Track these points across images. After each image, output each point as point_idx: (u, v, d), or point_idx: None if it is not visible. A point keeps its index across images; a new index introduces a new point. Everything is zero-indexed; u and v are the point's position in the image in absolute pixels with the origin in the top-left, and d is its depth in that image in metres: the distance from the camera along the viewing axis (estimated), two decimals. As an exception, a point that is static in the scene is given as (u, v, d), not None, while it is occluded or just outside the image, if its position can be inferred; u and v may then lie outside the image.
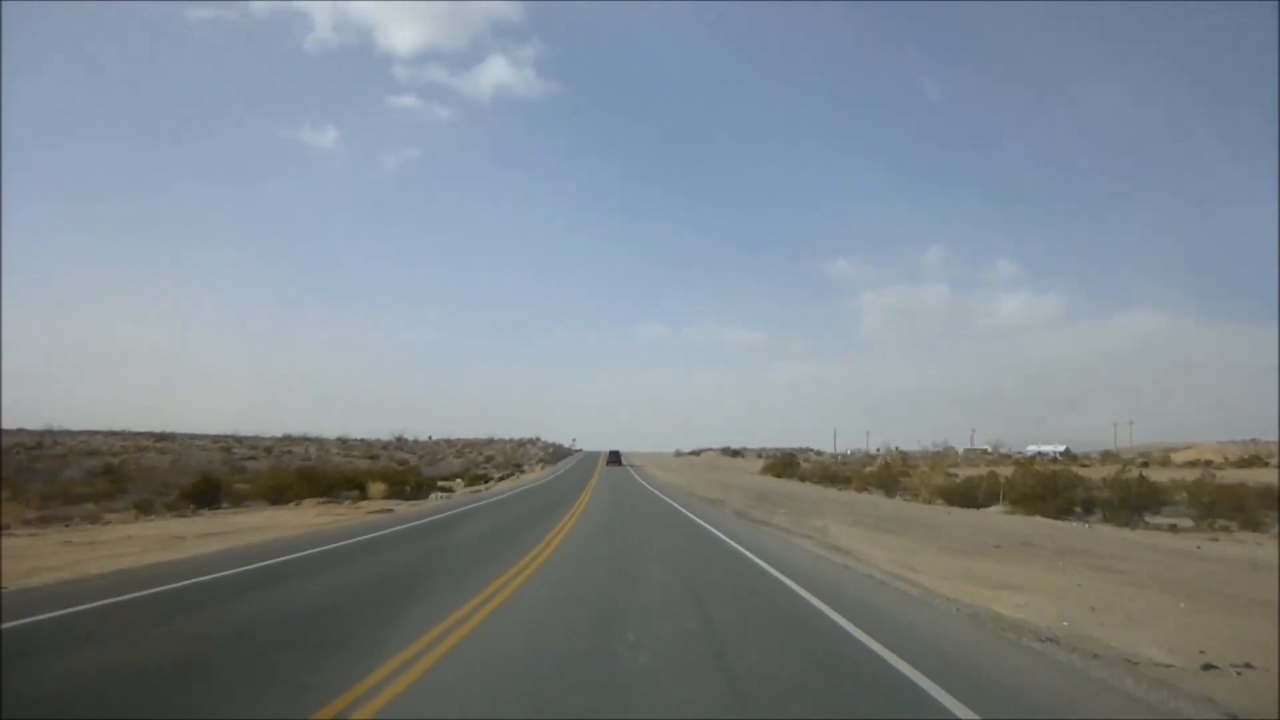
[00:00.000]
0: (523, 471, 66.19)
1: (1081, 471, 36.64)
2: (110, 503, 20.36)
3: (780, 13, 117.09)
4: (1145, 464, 66.29)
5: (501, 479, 54.15)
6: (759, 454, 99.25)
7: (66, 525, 15.23)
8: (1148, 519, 22.74)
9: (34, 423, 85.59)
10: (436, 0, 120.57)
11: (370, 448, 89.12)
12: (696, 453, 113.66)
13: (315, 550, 11.08)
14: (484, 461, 79.62)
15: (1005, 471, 43.07)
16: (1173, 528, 21.65)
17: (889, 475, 50.53)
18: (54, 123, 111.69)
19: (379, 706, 3.96)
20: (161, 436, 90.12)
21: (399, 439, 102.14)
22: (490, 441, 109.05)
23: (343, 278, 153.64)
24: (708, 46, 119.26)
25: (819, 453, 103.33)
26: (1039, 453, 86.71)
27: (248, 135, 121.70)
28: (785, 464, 67.20)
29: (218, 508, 20.47)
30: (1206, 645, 6.01)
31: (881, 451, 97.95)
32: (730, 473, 63.02)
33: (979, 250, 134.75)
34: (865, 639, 5.82)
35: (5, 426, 71.32)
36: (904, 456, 77.23)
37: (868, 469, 63.57)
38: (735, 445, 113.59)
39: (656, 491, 32.26)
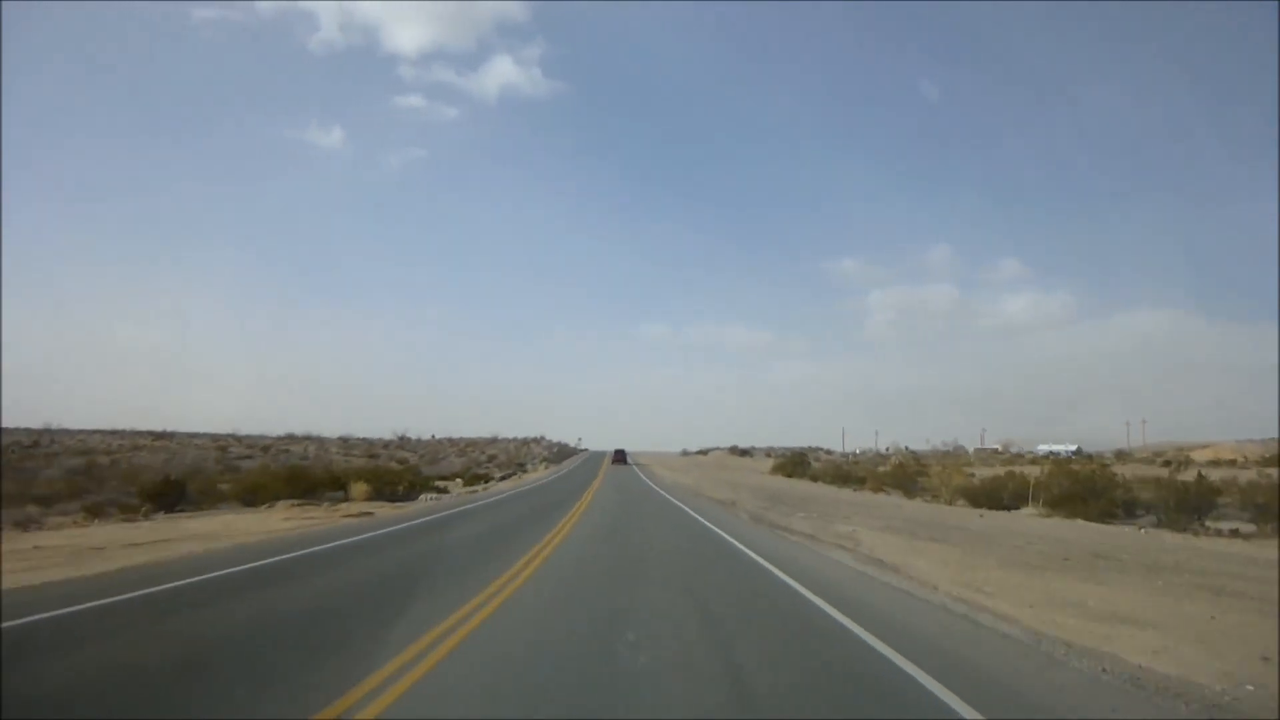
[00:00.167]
0: (525, 471, 64.39)
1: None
2: (66, 504, 18.54)
3: (781, 13, 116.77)
4: (1168, 463, 64.06)
5: (502, 479, 52.31)
6: (767, 453, 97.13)
7: (-7, 531, 13.38)
8: (1207, 523, 20.60)
9: (34, 422, 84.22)
10: (442, 0, 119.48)
11: (371, 447, 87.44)
12: (704, 452, 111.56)
13: (250, 565, 9.16)
14: (486, 461, 77.83)
15: (1026, 471, 41.15)
16: (1234, 532, 19.53)
17: (905, 475, 48.51)
18: (56, 123, 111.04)
19: None
20: (160, 435, 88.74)
21: (401, 438, 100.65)
22: (494, 441, 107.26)
23: (346, 277, 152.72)
24: (710, 46, 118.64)
25: (829, 452, 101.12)
26: (1051, 452, 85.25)
27: (253, 135, 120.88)
28: (796, 463, 65.06)
29: (180, 510, 18.61)
30: None
31: (891, 451, 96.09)
32: (738, 472, 60.94)
33: (984, 250, 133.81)
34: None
35: (5, 425, 70.21)
36: (915, 456, 75.29)
37: (881, 468, 61.59)
38: (741, 444, 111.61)
39: (663, 492, 30.25)
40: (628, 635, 5.59)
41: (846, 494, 39.36)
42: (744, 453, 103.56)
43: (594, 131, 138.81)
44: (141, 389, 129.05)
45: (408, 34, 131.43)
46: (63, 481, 21.38)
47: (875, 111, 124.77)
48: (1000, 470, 44.10)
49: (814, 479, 54.71)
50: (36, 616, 6.00)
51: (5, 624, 5.68)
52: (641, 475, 48.37)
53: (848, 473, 56.37)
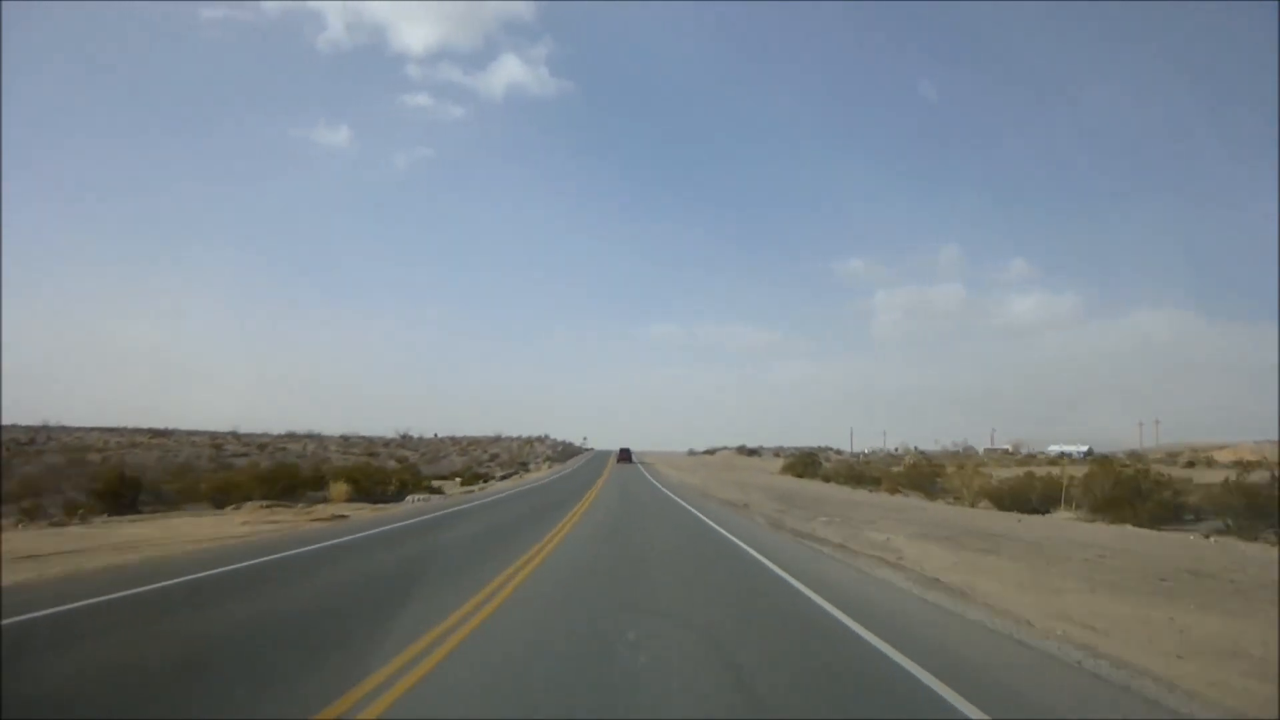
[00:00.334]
0: (527, 470, 62.64)
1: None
2: (9, 506, 16.74)
3: (782, 13, 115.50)
4: (1190, 464, 61.79)
5: (503, 478, 50.55)
6: (776, 453, 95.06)
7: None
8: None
9: (34, 420, 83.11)
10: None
11: (372, 445, 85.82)
12: (711, 451, 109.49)
13: (149, 587, 7.27)
14: (488, 460, 76.09)
15: (1044, 472, 39.16)
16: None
17: (921, 476, 46.49)
18: (59, 123, 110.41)
19: None
20: (158, 433, 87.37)
21: (404, 437, 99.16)
22: (497, 439, 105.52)
23: (351, 276, 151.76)
24: (713, 46, 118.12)
25: (838, 452, 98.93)
26: (1062, 452, 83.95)
27: (258, 135, 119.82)
28: (806, 463, 62.94)
29: (138, 511, 16.81)
30: None
31: (901, 450, 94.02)
32: (747, 472, 58.89)
33: (992, 250, 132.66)
34: None
35: (5, 424, 69.03)
36: (927, 457, 73.36)
37: (895, 469, 59.50)
38: (746, 444, 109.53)
39: (670, 493, 28.28)
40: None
41: (863, 495, 37.34)
42: (752, 452, 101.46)
43: (599, 131, 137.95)
44: (145, 388, 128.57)
45: (415, 33, 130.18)
46: (17, 481, 19.62)
47: (880, 112, 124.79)
48: (1019, 471, 42.12)
49: (826, 479, 52.66)
50: None
51: None
52: (647, 475, 46.44)
53: (860, 473, 54.31)
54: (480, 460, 74.98)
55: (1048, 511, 29.82)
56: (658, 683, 4.28)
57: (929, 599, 7.50)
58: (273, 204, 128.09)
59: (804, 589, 7.83)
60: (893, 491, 42.52)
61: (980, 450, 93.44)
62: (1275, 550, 14.07)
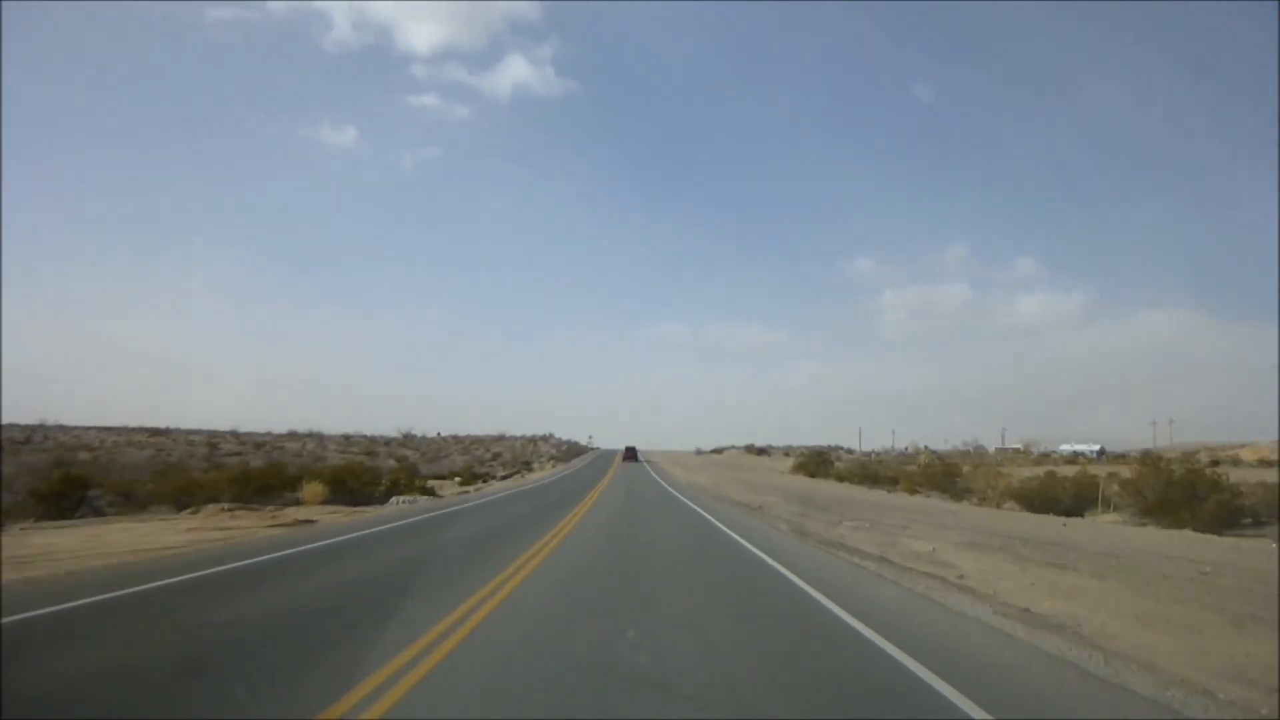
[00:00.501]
0: (530, 470, 60.81)
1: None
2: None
3: (784, 13, 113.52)
4: (1215, 463, 59.39)
5: (504, 478, 48.76)
6: (785, 452, 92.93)
7: None
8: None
9: (31, 419, 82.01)
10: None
11: (372, 444, 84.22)
12: (719, 450, 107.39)
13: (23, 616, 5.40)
14: (490, 459, 74.38)
15: (1062, 472, 37.16)
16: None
17: (939, 476, 44.42)
18: (64, 123, 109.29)
19: None
20: (156, 432, 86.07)
21: (406, 435, 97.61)
22: (500, 438, 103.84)
23: (355, 275, 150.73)
24: (724, 44, 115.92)
25: (849, 451, 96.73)
26: (1075, 452, 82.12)
27: (264, 135, 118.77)
28: (818, 462, 60.81)
29: (78, 515, 15.00)
30: None
31: (911, 450, 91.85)
32: (757, 472, 56.83)
33: (999, 249, 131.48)
34: None
35: (3, 423, 67.85)
36: (939, 456, 71.39)
37: (909, 468, 57.40)
38: (753, 443, 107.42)
39: (679, 495, 26.29)
40: None
41: (881, 496, 35.30)
42: (761, 451, 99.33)
43: (605, 131, 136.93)
44: (146, 387, 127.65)
45: (421, 33, 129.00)
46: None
47: (883, 112, 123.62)
48: (1039, 471, 40.04)
49: (839, 479, 50.58)
50: None
51: None
52: (654, 475, 44.50)
53: (875, 472, 52.24)
54: (482, 460, 73.24)
55: (1083, 514, 27.78)
56: None
57: (1041, 646, 5.48)
58: (279, 204, 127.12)
59: (863, 628, 5.85)
60: (912, 492, 40.46)
61: (991, 450, 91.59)
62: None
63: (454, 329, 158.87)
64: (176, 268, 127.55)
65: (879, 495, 36.19)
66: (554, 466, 63.30)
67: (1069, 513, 27.58)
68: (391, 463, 53.85)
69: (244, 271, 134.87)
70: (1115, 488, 29.39)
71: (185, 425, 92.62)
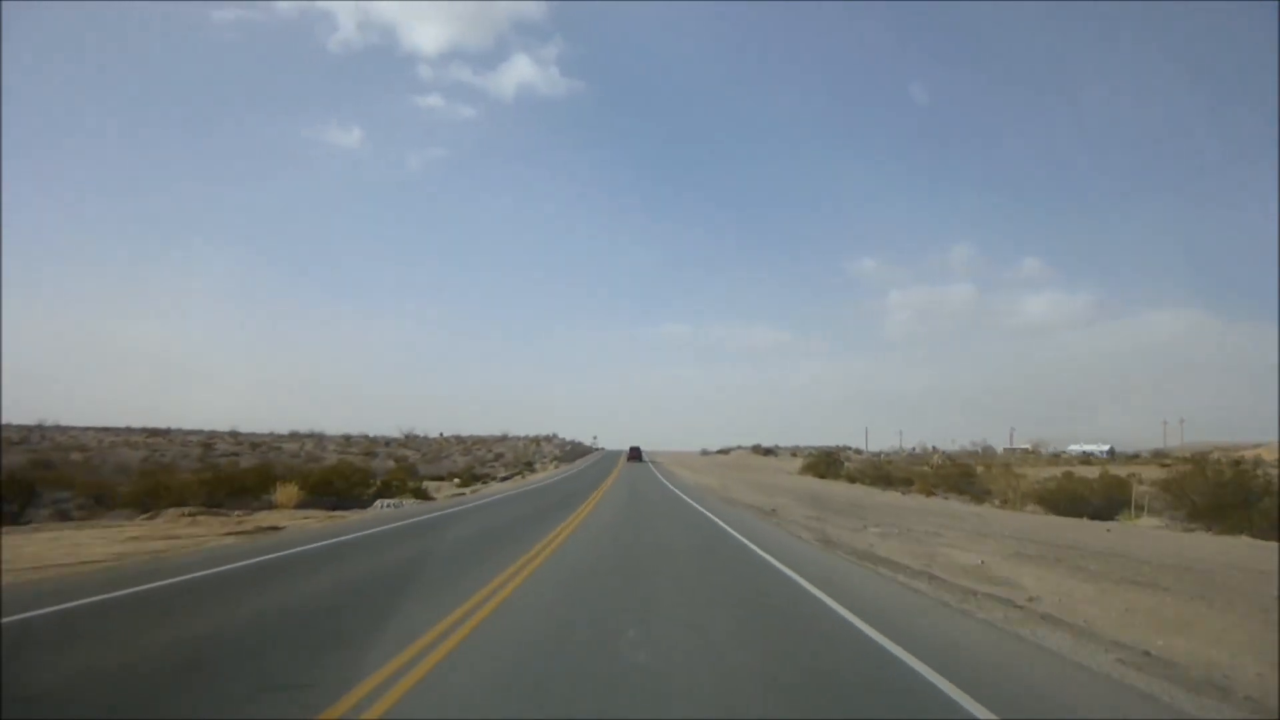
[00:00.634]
0: (532, 470, 59.33)
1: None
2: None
3: (786, 13, 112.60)
4: (1237, 463, 57.46)
5: (504, 479, 47.31)
6: (793, 453, 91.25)
7: None
8: None
9: (32, 419, 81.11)
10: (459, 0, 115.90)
11: (372, 444, 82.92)
12: (725, 451, 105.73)
13: None
14: (492, 459, 72.90)
15: (1081, 472, 35.64)
16: None
17: (958, 477, 42.79)
18: (66, 122, 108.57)
19: None
20: (154, 432, 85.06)
21: (407, 435, 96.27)
22: (503, 439, 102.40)
23: (356, 275, 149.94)
24: (725, 44, 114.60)
25: (857, 451, 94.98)
26: (1085, 452, 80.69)
27: (269, 135, 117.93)
28: (828, 463, 59.15)
29: (24, 521, 13.57)
30: None
31: (920, 450, 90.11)
32: (765, 473, 55.18)
33: (1004, 249, 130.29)
34: None
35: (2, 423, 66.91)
36: (949, 457, 69.82)
37: (921, 468, 55.75)
38: (760, 443, 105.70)
39: (686, 498, 24.69)
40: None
41: (896, 498, 33.65)
42: (768, 451, 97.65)
43: (609, 130, 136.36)
44: (146, 387, 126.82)
45: (427, 33, 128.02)
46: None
47: (886, 112, 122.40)
48: (1055, 472, 38.44)
49: (851, 480, 48.90)
50: None
51: None
52: (659, 476, 42.93)
53: (888, 473, 50.50)
54: (484, 460, 71.78)
55: (1114, 517, 26.13)
56: None
57: (1208, 721, 3.91)
58: (280, 204, 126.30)
59: (957, 694, 4.25)
60: (927, 494, 38.80)
61: (999, 450, 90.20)
62: None
63: (455, 329, 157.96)
64: (177, 268, 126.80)
65: (893, 497, 34.55)
66: (557, 467, 61.84)
67: (1097, 516, 25.98)
68: (390, 463, 52.45)
69: (245, 271, 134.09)
70: (1143, 488, 27.82)
71: (186, 426, 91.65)
